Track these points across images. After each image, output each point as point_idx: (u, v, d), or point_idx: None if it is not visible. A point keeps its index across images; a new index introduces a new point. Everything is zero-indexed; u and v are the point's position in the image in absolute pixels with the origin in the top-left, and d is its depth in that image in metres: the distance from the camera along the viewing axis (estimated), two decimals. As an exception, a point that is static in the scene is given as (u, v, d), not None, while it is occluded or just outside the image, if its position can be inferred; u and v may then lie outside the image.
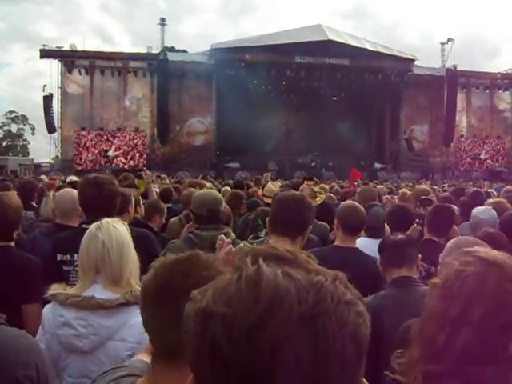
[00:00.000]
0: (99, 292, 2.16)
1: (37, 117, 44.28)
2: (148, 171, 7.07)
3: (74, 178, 11.32)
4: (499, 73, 39.03)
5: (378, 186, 11.79)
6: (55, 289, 2.19)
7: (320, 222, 5.03)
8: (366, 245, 4.24)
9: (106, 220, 2.33)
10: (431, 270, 3.86)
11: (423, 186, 8.95)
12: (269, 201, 5.46)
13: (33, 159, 39.85)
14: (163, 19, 35.90)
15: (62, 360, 2.15)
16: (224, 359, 0.64)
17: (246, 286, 0.67)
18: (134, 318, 2.11)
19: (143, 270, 3.15)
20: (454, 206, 6.28)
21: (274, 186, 6.63)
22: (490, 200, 5.72)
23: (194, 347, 0.68)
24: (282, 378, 0.62)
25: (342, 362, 0.65)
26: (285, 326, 0.63)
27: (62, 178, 13.65)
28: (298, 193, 2.75)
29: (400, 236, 3.18)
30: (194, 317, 0.69)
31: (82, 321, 2.12)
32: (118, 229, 2.28)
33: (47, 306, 2.24)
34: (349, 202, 4.32)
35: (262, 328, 0.63)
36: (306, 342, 0.63)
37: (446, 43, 38.87)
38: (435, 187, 11.82)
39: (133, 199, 4.41)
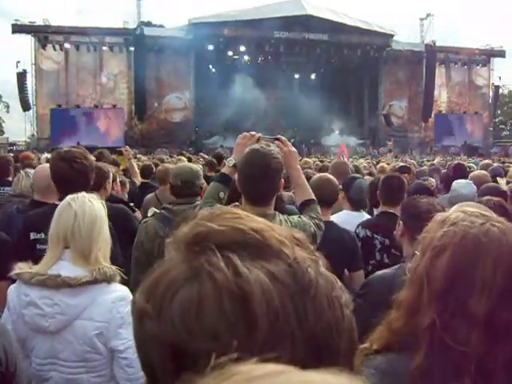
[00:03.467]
0: (66, 268, 2.09)
1: (11, 94, 43.24)
2: (128, 147, 7.07)
3: (48, 155, 11.16)
4: (477, 48, 39.18)
5: (359, 161, 11.87)
6: (20, 268, 2.12)
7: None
8: (348, 218, 4.24)
9: (82, 194, 2.28)
10: (385, 242, 3.82)
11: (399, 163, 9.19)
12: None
13: (8, 138, 39.01)
14: (139, -7, 35.19)
15: (29, 341, 2.09)
16: None
17: (232, 308, 0.54)
18: (103, 295, 2.05)
19: (122, 245, 3.14)
20: (432, 179, 6.35)
21: None
22: (473, 173, 5.78)
23: None
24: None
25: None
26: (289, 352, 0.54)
27: (39, 155, 13.47)
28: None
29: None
30: (150, 339, 0.56)
31: (47, 300, 2.04)
32: (93, 204, 2.23)
33: (12, 286, 2.16)
34: (322, 174, 4.28)
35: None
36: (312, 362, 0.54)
37: (425, 19, 38.89)
38: (413, 162, 11.90)
39: (111, 175, 4.34)
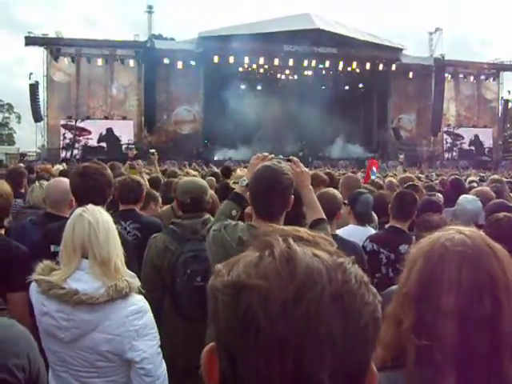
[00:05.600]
0: (85, 281, 2.14)
1: (23, 105, 43.57)
2: (140, 161, 7.18)
3: (60, 167, 11.29)
4: (486, 63, 39.19)
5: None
6: (42, 269, 2.18)
7: None
8: (354, 232, 4.27)
9: (90, 205, 2.34)
10: (391, 256, 3.90)
11: (407, 174, 9.18)
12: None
13: (19, 148, 39.28)
14: (150, 7, 35.57)
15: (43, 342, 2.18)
16: (258, 329, 0.67)
17: (280, 262, 0.71)
18: (117, 311, 2.12)
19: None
20: (439, 195, 6.37)
21: (242, 172, 6.43)
22: (475, 189, 5.75)
23: (225, 317, 0.71)
24: (316, 349, 0.67)
25: (365, 338, 0.71)
26: (319, 301, 0.68)
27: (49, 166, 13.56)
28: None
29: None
30: (223, 288, 0.72)
31: (63, 314, 2.11)
32: (102, 213, 2.30)
33: (33, 286, 2.21)
34: (325, 189, 4.35)
35: (298, 302, 0.67)
36: (337, 318, 0.68)
37: (434, 32, 38.99)
38: (421, 176, 11.90)
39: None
